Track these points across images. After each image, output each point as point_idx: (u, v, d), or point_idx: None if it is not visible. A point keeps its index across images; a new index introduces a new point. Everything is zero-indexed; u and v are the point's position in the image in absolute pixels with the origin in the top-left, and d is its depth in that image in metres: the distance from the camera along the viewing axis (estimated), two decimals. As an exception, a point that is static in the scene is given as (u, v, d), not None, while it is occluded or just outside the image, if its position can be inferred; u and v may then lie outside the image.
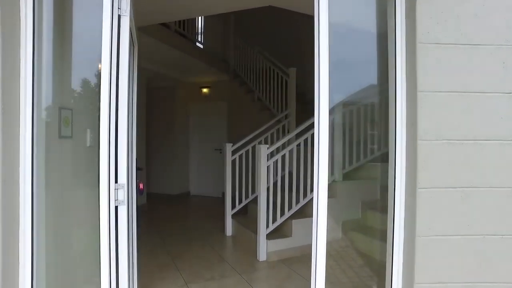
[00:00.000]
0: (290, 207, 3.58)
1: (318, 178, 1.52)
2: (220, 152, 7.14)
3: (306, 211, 3.77)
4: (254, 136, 4.48)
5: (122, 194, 1.49)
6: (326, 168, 1.49)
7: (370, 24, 2.16)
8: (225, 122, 7.14)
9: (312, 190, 3.57)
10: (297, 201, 3.63)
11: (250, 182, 4.38)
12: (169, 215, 5.45)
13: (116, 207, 1.49)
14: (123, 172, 1.51)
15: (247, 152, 4.45)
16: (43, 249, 1.54)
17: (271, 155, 3.51)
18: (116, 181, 1.48)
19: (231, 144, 4.26)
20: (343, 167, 3.95)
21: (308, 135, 3.66)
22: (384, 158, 4.24)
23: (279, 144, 3.49)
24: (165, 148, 7.14)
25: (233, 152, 4.31)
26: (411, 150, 1.42)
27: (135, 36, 2.18)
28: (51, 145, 1.81)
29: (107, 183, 1.42)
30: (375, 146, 4.39)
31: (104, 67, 1.46)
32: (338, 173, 3.85)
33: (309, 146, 3.71)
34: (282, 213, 3.55)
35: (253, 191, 4.47)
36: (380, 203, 4.15)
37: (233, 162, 4.38)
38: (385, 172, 3.98)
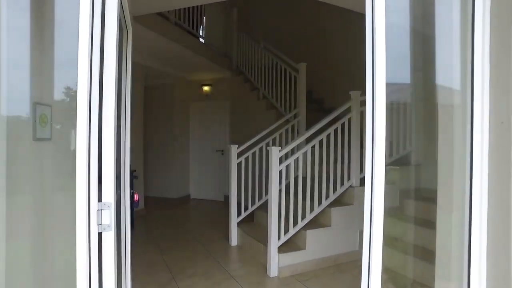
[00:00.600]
0: (303, 216, 3.22)
1: (372, 180, 1.16)
2: (222, 154, 6.79)
3: (320, 221, 3.41)
4: (260, 138, 4.11)
5: (108, 216, 1.11)
6: (383, 165, 1.14)
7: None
8: (227, 122, 6.77)
9: (327, 197, 3.20)
10: (311, 209, 3.27)
11: (257, 187, 4.02)
12: (168, 221, 5.08)
13: (100, 234, 1.12)
14: (109, 186, 1.14)
15: (253, 154, 4.08)
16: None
17: (280, 160, 3.15)
18: (99, 199, 1.11)
19: (237, 146, 3.88)
20: (361, 171, 3.59)
21: (323, 136, 3.30)
22: (401, 161, 3.87)
23: (292, 145, 3.12)
24: (164, 149, 6.77)
25: (238, 155, 3.94)
26: (499, 159, 1.05)
27: (128, 17, 1.80)
28: (21, 149, 1.44)
29: (85, 202, 1.05)
30: (394, 148, 4.03)
31: (82, 50, 1.09)
32: (355, 178, 3.48)
33: (324, 147, 3.34)
34: (295, 223, 3.18)
35: (260, 196, 4.11)
36: (401, 211, 3.79)
37: (239, 165, 4.01)
38: (407, 177, 3.60)
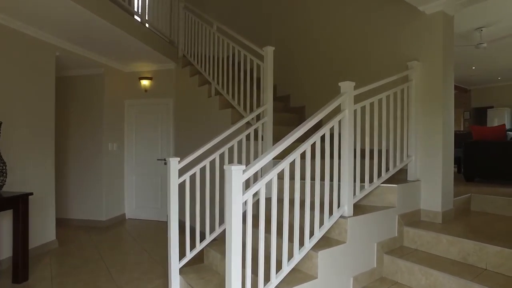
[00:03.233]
0: (279, 268, 2.13)
1: None
2: (165, 163, 5.51)
3: (302, 269, 2.34)
4: (213, 146, 2.95)
5: None
6: None
7: None
8: (171, 124, 5.52)
9: (312, 235, 2.12)
10: (290, 256, 2.19)
11: (208, 214, 2.86)
12: (86, 258, 3.71)
13: None
14: None
15: (202, 170, 2.93)
16: None
17: (246, 182, 2.04)
18: None
19: (178, 159, 2.69)
20: (354, 193, 2.60)
21: (306, 146, 2.24)
22: (401, 176, 2.89)
23: (263, 162, 2.00)
24: (89, 160, 5.31)
25: (181, 171, 2.76)
26: None
27: None
28: None
29: None
30: (390, 160, 3.11)
31: None
32: (348, 204, 2.47)
33: (308, 160, 2.29)
34: (267, 279, 2.08)
35: (213, 227, 2.96)
36: (399, 244, 2.84)
37: (181, 186, 2.84)
38: (408, 196, 2.62)
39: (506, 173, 4.31)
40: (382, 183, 2.84)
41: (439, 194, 2.98)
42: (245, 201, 1.87)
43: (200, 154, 2.83)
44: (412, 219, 3.01)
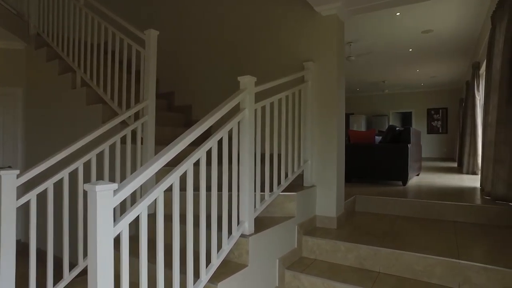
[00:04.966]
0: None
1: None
2: (10, 173, 4.21)
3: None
4: (75, 152, 2.21)
5: None
6: None
7: None
8: (19, 123, 4.26)
9: (209, 262, 1.68)
10: (181, 294, 1.69)
11: (67, 246, 2.10)
12: None
13: None
14: None
15: (58, 185, 2.14)
16: None
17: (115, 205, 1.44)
18: None
19: (16, 172, 1.86)
20: (255, 207, 2.28)
21: (201, 153, 1.78)
22: (296, 182, 2.68)
23: (144, 176, 1.45)
24: None
25: (22, 189, 1.93)
26: None
27: None
28: None
29: None
30: (289, 164, 2.91)
31: None
32: (248, 220, 2.13)
33: (203, 169, 1.84)
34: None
35: (74, 262, 2.21)
36: (298, 256, 2.66)
37: (22, 209, 2.01)
38: (306, 203, 2.41)
39: (378, 173, 4.74)
40: (284, 192, 2.61)
41: (334, 199, 2.93)
42: (121, 237, 1.30)
43: (56, 163, 2.06)
44: (310, 227, 2.88)
